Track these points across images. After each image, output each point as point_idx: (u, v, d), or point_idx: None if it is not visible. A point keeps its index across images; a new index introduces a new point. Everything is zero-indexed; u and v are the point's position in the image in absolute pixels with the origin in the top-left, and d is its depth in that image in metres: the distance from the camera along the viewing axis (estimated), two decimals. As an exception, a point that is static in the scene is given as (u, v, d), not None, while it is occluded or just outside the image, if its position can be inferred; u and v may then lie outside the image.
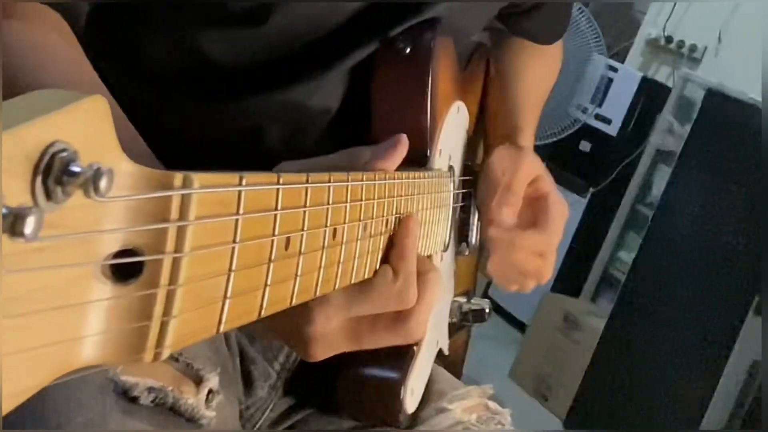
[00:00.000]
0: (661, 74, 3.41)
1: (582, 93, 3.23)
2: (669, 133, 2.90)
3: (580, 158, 3.34)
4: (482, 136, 0.94)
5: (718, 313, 2.31)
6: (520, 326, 3.34)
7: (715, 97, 2.47)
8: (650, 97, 3.16)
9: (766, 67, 2.39)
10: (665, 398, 2.43)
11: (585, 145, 3.33)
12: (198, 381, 0.64)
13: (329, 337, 0.56)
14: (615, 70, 3.25)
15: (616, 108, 3.22)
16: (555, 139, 3.23)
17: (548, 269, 0.84)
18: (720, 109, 2.44)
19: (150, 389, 0.59)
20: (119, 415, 0.57)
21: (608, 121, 3.24)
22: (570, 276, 3.31)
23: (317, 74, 0.72)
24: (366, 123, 0.72)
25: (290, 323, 0.56)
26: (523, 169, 0.82)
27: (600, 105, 3.24)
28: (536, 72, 0.99)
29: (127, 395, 0.58)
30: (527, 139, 0.88)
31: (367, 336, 0.58)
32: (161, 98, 0.61)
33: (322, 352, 0.57)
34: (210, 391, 0.64)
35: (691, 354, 2.37)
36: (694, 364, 2.35)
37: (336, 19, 0.71)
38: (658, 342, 2.48)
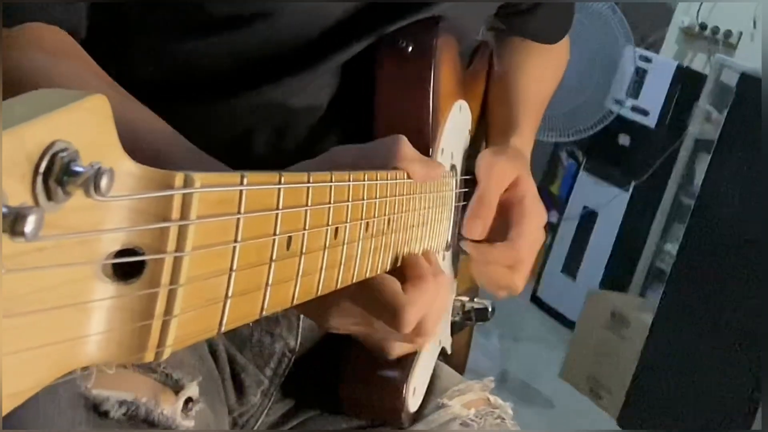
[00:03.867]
0: (698, 62, 3.35)
1: (616, 86, 3.19)
2: (707, 121, 2.85)
3: (620, 152, 3.30)
4: (484, 134, 0.93)
5: (767, 298, 2.26)
6: (569, 324, 3.31)
7: (749, 82, 2.43)
8: (687, 85, 3.11)
9: (766, 51, 2.34)
10: (716, 391, 2.39)
11: (624, 139, 3.29)
12: (178, 390, 0.64)
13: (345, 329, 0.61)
14: (649, 60, 3.21)
15: (653, 99, 3.17)
16: (591, 132, 3.20)
17: (519, 282, 0.81)
18: (756, 94, 2.39)
19: (121, 402, 0.59)
20: (88, 429, 0.56)
21: (645, 113, 3.20)
22: (617, 271, 3.27)
23: (304, 73, 0.72)
24: (357, 121, 0.72)
25: (310, 313, 0.62)
26: (495, 176, 0.79)
27: (636, 97, 3.20)
28: (538, 71, 0.98)
29: (97, 410, 0.58)
30: (524, 136, 0.87)
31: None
32: (149, 102, 0.62)
33: (334, 320, 0.61)
34: (189, 400, 0.64)
35: (741, 343, 2.33)
36: (744, 354, 2.31)
37: (328, 22, 0.71)
38: (707, 333, 2.44)
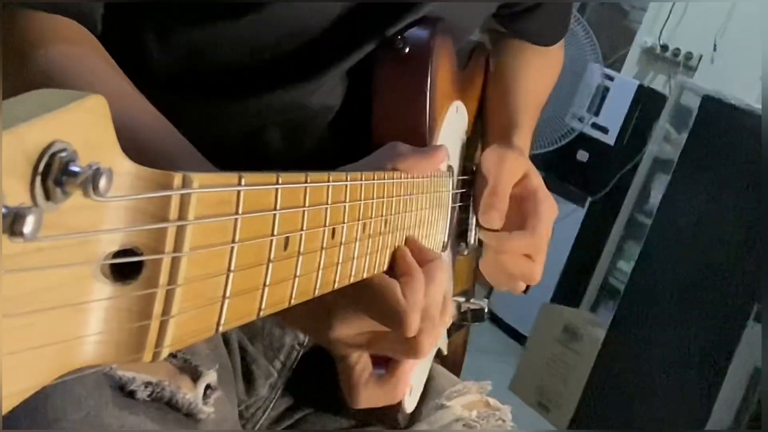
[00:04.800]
0: (658, 83, 3.42)
1: (578, 102, 3.24)
2: (666, 141, 2.90)
3: (578, 168, 3.35)
4: (480, 136, 0.94)
5: (719, 321, 2.30)
6: (520, 338, 3.34)
7: (711, 104, 2.47)
8: (647, 105, 3.17)
9: (766, 76, 2.39)
10: (666, 408, 2.42)
11: (582, 155, 3.34)
12: (195, 377, 0.64)
13: (350, 339, 0.60)
14: (611, 78, 3.26)
15: (613, 117, 3.23)
16: (552, 148, 3.24)
17: (537, 270, 0.83)
18: (716, 116, 2.44)
19: (147, 384, 0.59)
20: (116, 410, 0.56)
21: (605, 130, 3.25)
22: (569, 286, 3.31)
23: (316, 74, 0.72)
24: (368, 122, 0.72)
25: (311, 326, 0.61)
26: (506, 169, 0.80)
27: (597, 114, 3.25)
28: (535, 73, 0.99)
29: (123, 390, 0.58)
30: (522, 138, 0.87)
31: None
32: (160, 101, 0.62)
33: (340, 327, 0.60)
34: (208, 387, 0.64)
35: (693, 363, 2.36)
36: (696, 373, 2.35)
37: (329, 17, 0.71)
38: (659, 351, 2.48)
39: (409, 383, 0.64)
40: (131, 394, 0.58)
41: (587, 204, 3.30)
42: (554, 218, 0.83)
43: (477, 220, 0.85)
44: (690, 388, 2.37)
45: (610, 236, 3.10)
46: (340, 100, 0.75)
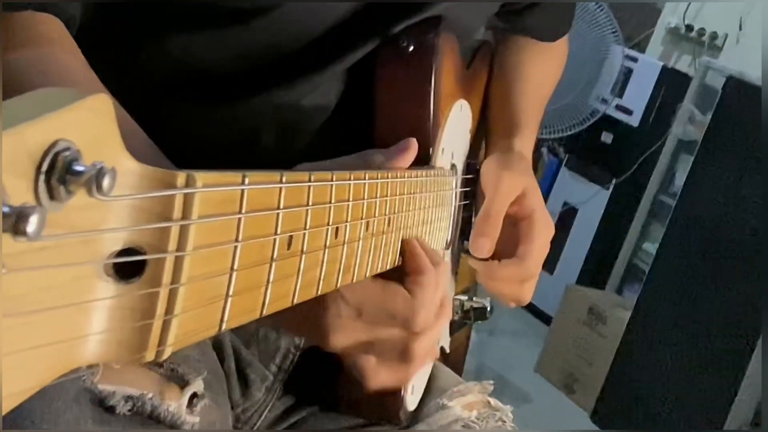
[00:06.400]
0: (682, 63, 3.37)
1: (602, 84, 3.20)
2: (690, 122, 2.87)
3: (603, 149, 3.32)
4: (484, 134, 0.93)
5: (744, 302, 2.28)
6: (546, 319, 3.33)
7: (735, 85, 2.44)
8: (671, 86, 3.12)
9: (767, 62, 2.36)
10: (690, 390, 2.41)
11: (607, 137, 3.31)
12: (183, 385, 0.63)
13: (343, 325, 0.59)
14: (635, 60, 3.22)
15: (637, 98, 3.19)
16: (576, 130, 3.22)
17: (527, 294, 0.83)
18: (741, 97, 2.41)
19: (127, 398, 0.59)
20: (94, 426, 0.56)
21: (629, 112, 3.22)
22: (594, 268, 3.29)
23: (314, 75, 0.72)
24: (364, 122, 0.72)
25: (307, 336, 0.59)
26: (503, 190, 0.79)
27: (621, 96, 3.21)
28: (538, 70, 0.97)
29: (103, 404, 0.58)
30: (525, 139, 0.86)
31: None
32: (157, 102, 0.61)
33: (337, 338, 0.59)
34: (194, 395, 0.63)
35: (717, 344, 2.35)
36: (720, 354, 2.33)
37: (331, 20, 0.71)
38: (684, 333, 2.46)
39: (421, 365, 0.64)
40: (111, 409, 0.58)
41: (612, 186, 3.27)
42: (550, 237, 0.82)
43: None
44: (714, 369, 2.35)
45: (635, 218, 3.08)
46: (336, 99, 0.74)
